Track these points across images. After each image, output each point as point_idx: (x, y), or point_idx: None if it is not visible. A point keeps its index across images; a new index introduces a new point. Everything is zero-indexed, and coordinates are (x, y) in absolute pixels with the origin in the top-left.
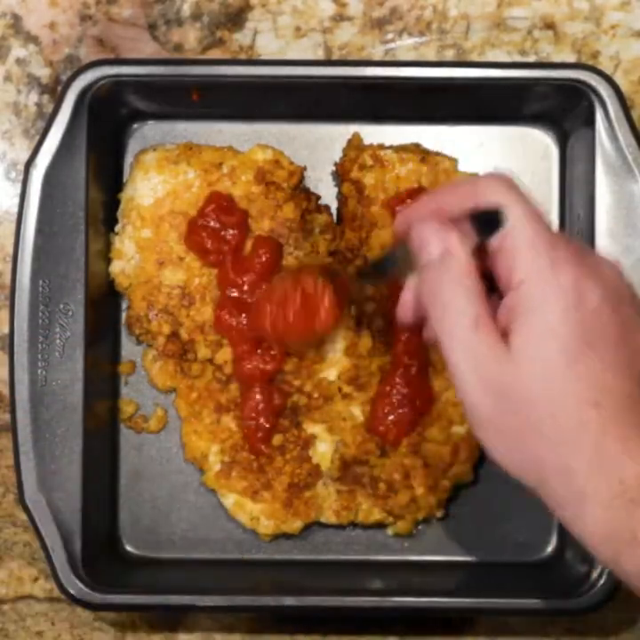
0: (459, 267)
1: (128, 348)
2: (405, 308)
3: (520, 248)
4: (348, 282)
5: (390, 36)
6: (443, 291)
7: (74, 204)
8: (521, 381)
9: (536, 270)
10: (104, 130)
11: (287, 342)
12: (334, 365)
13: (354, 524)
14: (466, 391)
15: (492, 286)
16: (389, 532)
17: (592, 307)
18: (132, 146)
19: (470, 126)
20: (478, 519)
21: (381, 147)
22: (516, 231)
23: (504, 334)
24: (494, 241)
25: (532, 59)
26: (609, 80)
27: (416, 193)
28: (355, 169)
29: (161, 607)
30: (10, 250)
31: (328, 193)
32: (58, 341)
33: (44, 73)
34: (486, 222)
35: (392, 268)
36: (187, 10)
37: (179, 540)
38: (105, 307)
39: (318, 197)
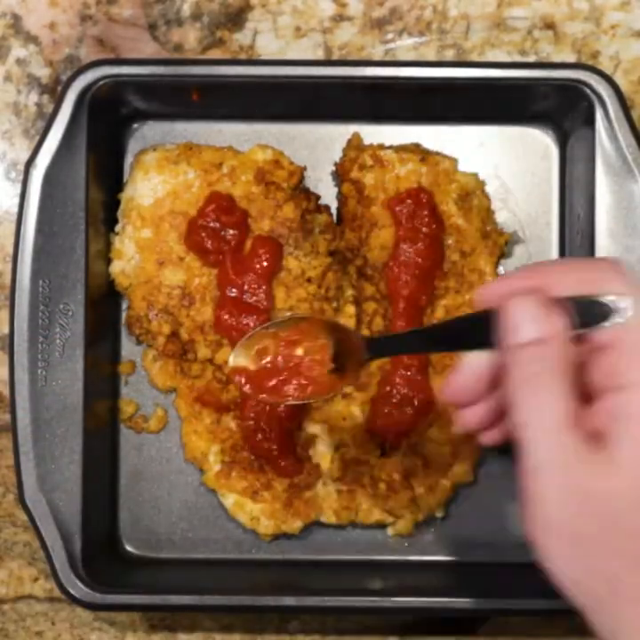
0: (559, 358)
1: (128, 348)
2: (458, 389)
3: (634, 349)
4: (359, 344)
5: (390, 35)
6: (538, 375)
7: (74, 204)
8: (615, 489)
9: None
10: (104, 130)
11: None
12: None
13: (354, 524)
14: (541, 486)
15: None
16: (389, 532)
17: None
18: (132, 146)
19: (470, 126)
20: (478, 519)
21: (381, 147)
22: (634, 329)
23: (595, 437)
24: (601, 334)
25: (531, 59)
26: (609, 80)
27: (416, 193)
28: (355, 169)
29: (161, 607)
30: (10, 250)
31: (328, 193)
32: (58, 341)
33: (44, 73)
34: (589, 311)
35: (456, 337)
36: (187, 10)
37: (179, 540)
38: (105, 307)
39: (318, 197)
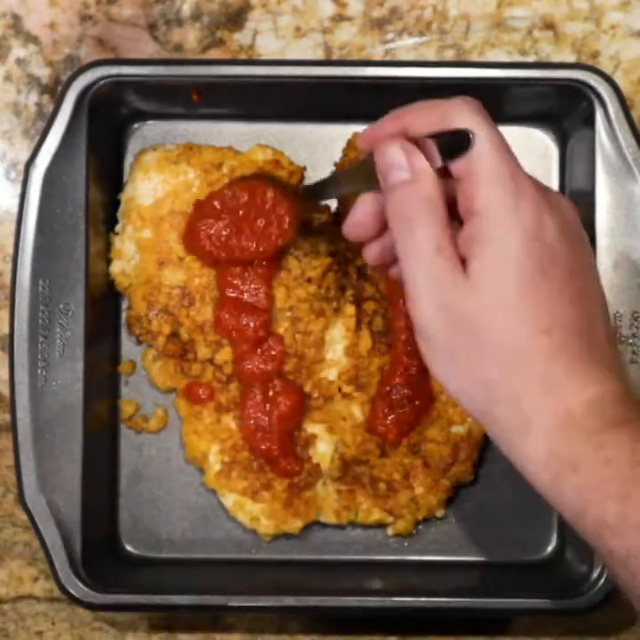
0: (427, 189)
1: (128, 348)
2: (355, 226)
3: (484, 176)
4: (297, 196)
5: (390, 36)
6: (409, 212)
7: (74, 204)
8: (477, 306)
9: (498, 199)
10: (104, 130)
11: (232, 261)
12: (334, 365)
13: (354, 524)
14: (421, 311)
15: (451, 212)
16: (389, 531)
17: (550, 238)
18: (132, 146)
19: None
20: (478, 519)
21: None
22: (482, 158)
23: (462, 261)
24: (458, 165)
25: (531, 59)
26: (609, 80)
27: None
28: None
29: (161, 607)
30: (10, 250)
31: None
32: (58, 341)
33: (43, 73)
34: (448, 145)
35: (345, 185)
36: (187, 10)
37: (179, 539)
38: (105, 307)
39: None
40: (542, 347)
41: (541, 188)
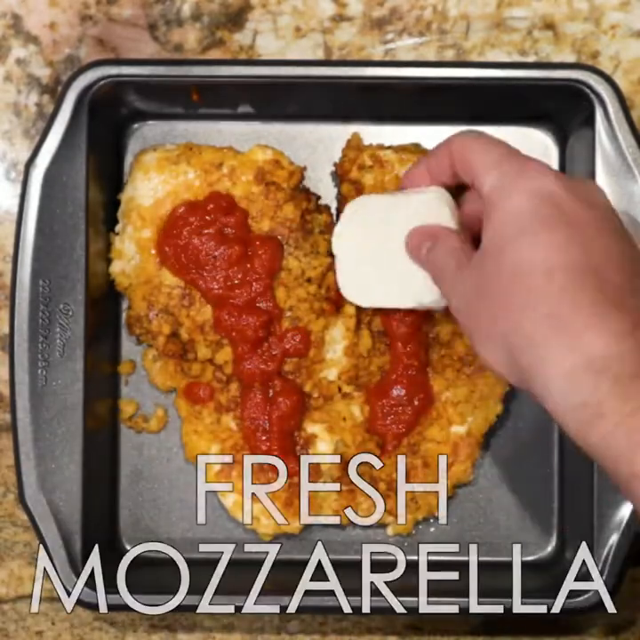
0: (446, 248)
1: (128, 348)
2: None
3: (480, 169)
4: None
5: (390, 36)
6: (438, 263)
7: (74, 204)
8: (487, 264)
9: (501, 173)
10: (104, 130)
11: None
12: (334, 365)
13: (354, 524)
14: (451, 295)
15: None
16: (389, 532)
17: (552, 193)
18: (132, 146)
19: (470, 126)
20: (478, 519)
21: (381, 147)
22: (492, 200)
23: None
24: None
25: (531, 59)
26: (609, 80)
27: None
28: (354, 169)
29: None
30: (10, 250)
31: (328, 193)
32: (58, 341)
33: (44, 73)
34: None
35: None
36: (187, 10)
37: (179, 539)
38: (105, 307)
39: (318, 197)
40: (542, 288)
41: (558, 172)
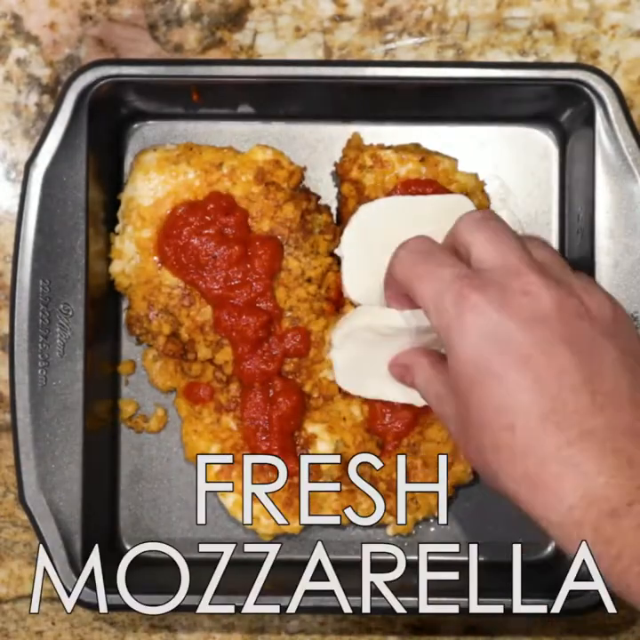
0: (423, 379)
1: (128, 348)
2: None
3: (423, 301)
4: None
5: (390, 36)
6: (422, 392)
7: (74, 204)
8: (459, 398)
9: (441, 317)
10: (104, 130)
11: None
12: (334, 365)
13: (354, 524)
14: (452, 432)
15: None
16: (389, 531)
17: (496, 331)
18: (132, 146)
19: (470, 126)
20: (478, 519)
21: (381, 147)
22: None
23: None
24: None
25: (531, 59)
26: (609, 80)
27: (422, 183)
28: (354, 169)
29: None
30: (10, 250)
31: (328, 193)
32: (58, 341)
33: (44, 73)
34: None
35: None
36: (187, 10)
37: (179, 539)
38: (105, 307)
39: (318, 197)
40: (511, 445)
41: (494, 295)
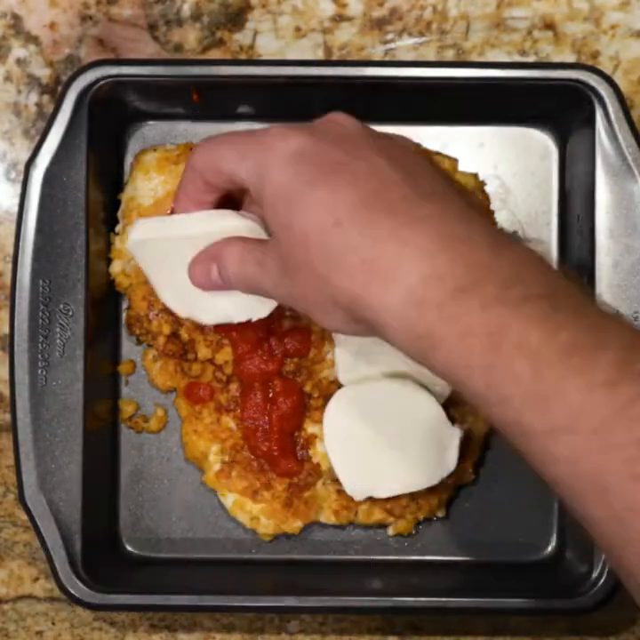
0: (235, 259)
1: (128, 348)
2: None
3: (231, 168)
4: None
5: (390, 36)
6: (239, 278)
7: (74, 204)
8: (280, 245)
9: (250, 164)
10: (104, 130)
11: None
12: (334, 365)
13: (354, 524)
14: (275, 295)
15: None
16: (389, 531)
17: (301, 152)
18: (132, 146)
19: (470, 126)
20: (478, 519)
21: None
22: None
23: None
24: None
25: (531, 59)
26: (609, 80)
27: None
28: None
29: (161, 607)
30: (10, 250)
31: None
32: (58, 341)
33: (44, 73)
34: None
35: None
36: (187, 10)
37: (179, 539)
38: (105, 307)
39: None
40: (341, 239)
41: (299, 127)
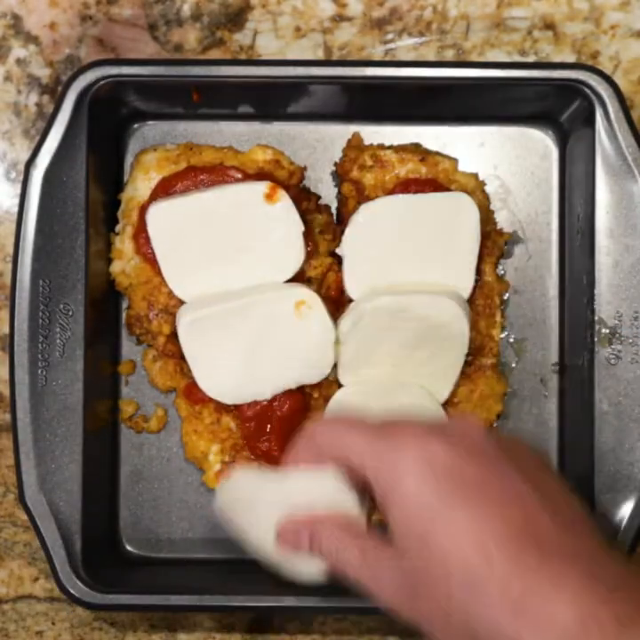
0: (334, 538)
1: (128, 348)
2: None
3: (354, 455)
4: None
5: (390, 36)
6: (333, 557)
7: (74, 204)
8: (409, 557)
9: (377, 460)
10: (104, 130)
11: None
12: (334, 365)
13: None
14: (387, 601)
15: None
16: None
17: (443, 463)
18: (132, 146)
19: (470, 126)
20: None
21: (381, 147)
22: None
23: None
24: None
25: (531, 59)
26: (609, 80)
27: (422, 182)
28: (354, 169)
29: (161, 607)
30: (10, 250)
31: (328, 193)
32: (58, 341)
33: (44, 73)
34: None
35: None
36: (187, 10)
37: (179, 539)
38: (105, 307)
39: (318, 197)
40: (486, 571)
41: (433, 428)
